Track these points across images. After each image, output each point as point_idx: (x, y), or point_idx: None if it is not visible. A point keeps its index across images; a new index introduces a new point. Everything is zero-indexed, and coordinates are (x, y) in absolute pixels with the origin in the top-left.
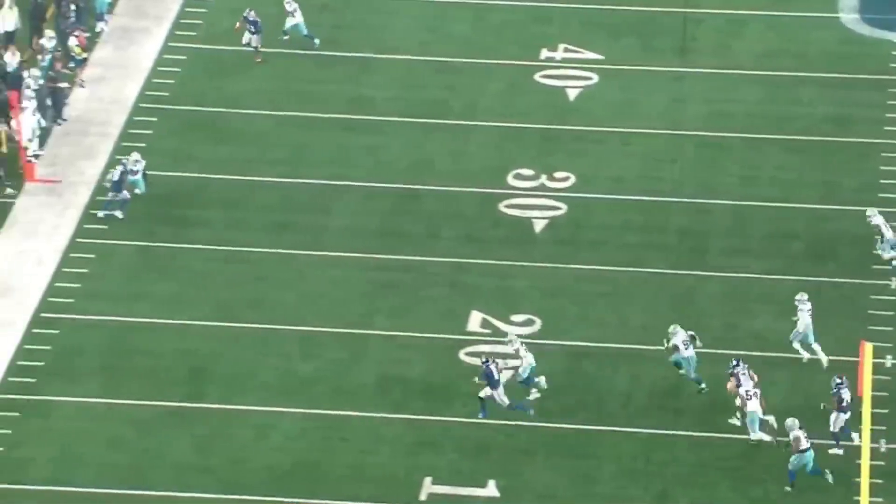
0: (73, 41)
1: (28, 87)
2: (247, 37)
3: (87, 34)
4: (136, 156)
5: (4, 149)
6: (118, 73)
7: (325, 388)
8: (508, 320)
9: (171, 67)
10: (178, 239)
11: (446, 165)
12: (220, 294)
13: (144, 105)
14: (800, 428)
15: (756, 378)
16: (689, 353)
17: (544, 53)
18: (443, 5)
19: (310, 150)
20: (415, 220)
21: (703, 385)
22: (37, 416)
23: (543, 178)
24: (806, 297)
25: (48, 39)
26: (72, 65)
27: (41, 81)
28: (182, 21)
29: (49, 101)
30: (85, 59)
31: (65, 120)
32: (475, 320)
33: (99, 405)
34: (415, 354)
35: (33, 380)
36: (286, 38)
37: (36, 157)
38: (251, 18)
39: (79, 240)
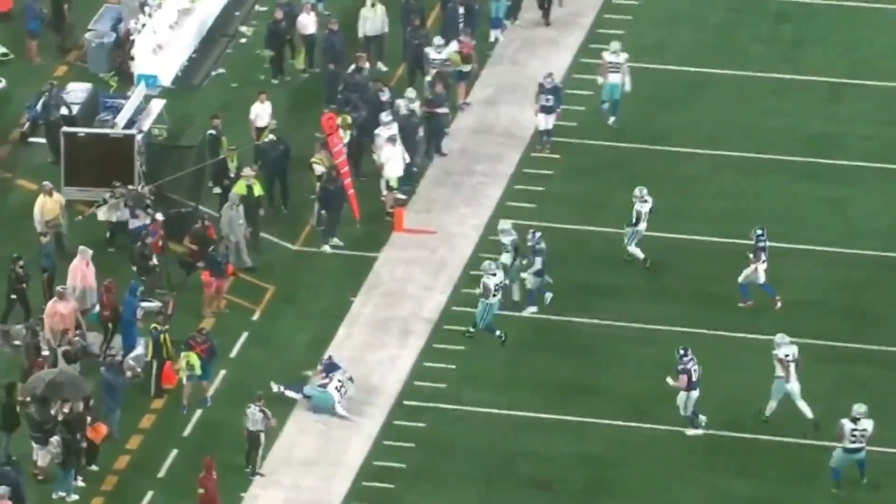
0: (453, 47)
1: (394, 110)
2: (542, 119)
3: (474, 42)
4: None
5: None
6: (513, 96)
7: None
8: None
9: (581, 90)
10: (580, 311)
11: None
12: (629, 384)
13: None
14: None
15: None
16: None
17: None
18: None
19: (755, 201)
20: (893, 300)
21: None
22: None
23: None
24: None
25: (435, 49)
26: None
27: (412, 106)
28: (598, 31)
29: (422, 131)
30: (468, 73)
31: (444, 154)
32: None
33: None
34: (886, 475)
35: (391, 485)
36: (612, 119)
37: (400, 201)
38: (549, 85)
39: (455, 308)
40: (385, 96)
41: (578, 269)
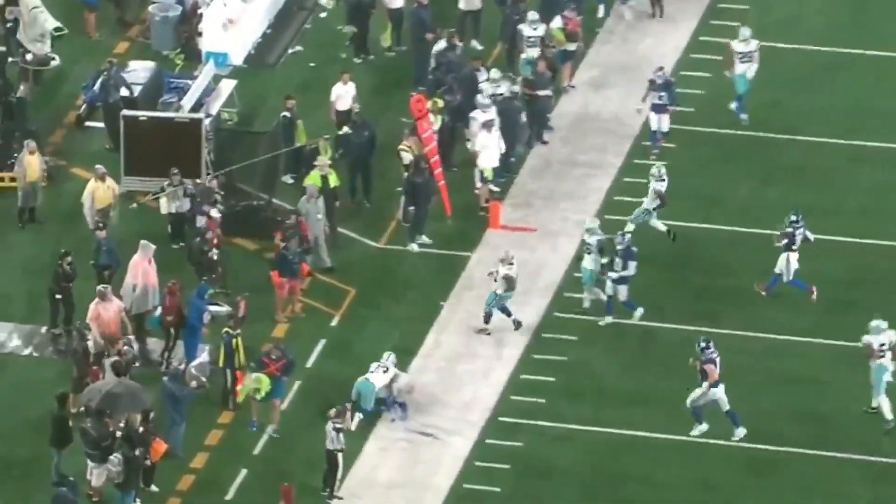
0: (556, 24)
1: (487, 93)
2: (654, 119)
3: (580, 17)
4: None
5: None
6: (623, 78)
7: None
8: None
9: (699, 72)
10: (698, 319)
11: None
12: (752, 401)
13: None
14: None
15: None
16: None
17: None
18: None
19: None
20: None
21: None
22: None
23: None
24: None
25: (530, 26)
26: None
27: (515, 88)
28: (720, 6)
29: (524, 117)
30: (573, 53)
31: (545, 142)
32: None
33: None
34: None
35: None
36: (744, 117)
37: (495, 195)
38: (661, 80)
39: (556, 314)
40: (482, 77)
41: (697, 273)
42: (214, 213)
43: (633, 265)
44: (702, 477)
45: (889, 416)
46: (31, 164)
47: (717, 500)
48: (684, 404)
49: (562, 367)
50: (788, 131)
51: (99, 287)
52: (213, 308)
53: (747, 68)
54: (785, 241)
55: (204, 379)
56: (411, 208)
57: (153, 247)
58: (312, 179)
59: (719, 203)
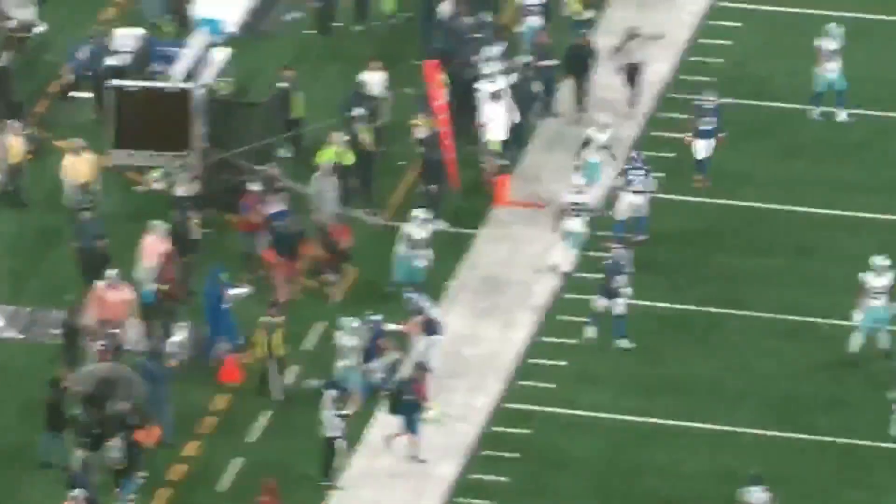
0: None
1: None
2: (702, 147)
3: None
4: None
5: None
6: (639, 45)
7: None
8: None
9: (720, 39)
10: (722, 300)
11: None
12: (780, 386)
13: (675, 95)
14: None
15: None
16: None
17: None
18: None
19: None
20: None
21: None
22: None
23: None
24: None
25: None
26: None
27: (526, 58)
28: None
29: (537, 87)
30: (589, 22)
31: (556, 115)
32: None
33: None
34: None
35: (490, 503)
36: (845, 114)
37: (504, 169)
38: (710, 105)
39: (566, 295)
40: (494, 51)
41: (719, 252)
42: (255, 187)
43: (624, 280)
44: (727, 468)
45: (855, 348)
46: (14, 146)
47: (736, 492)
48: (706, 389)
49: (574, 350)
50: (813, 102)
51: (110, 272)
52: (233, 291)
53: (836, 67)
54: (628, 180)
55: (184, 358)
56: (432, 187)
57: (166, 225)
58: (327, 156)
59: (742, 178)
